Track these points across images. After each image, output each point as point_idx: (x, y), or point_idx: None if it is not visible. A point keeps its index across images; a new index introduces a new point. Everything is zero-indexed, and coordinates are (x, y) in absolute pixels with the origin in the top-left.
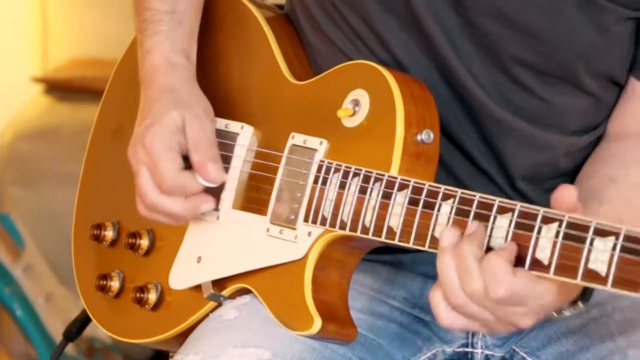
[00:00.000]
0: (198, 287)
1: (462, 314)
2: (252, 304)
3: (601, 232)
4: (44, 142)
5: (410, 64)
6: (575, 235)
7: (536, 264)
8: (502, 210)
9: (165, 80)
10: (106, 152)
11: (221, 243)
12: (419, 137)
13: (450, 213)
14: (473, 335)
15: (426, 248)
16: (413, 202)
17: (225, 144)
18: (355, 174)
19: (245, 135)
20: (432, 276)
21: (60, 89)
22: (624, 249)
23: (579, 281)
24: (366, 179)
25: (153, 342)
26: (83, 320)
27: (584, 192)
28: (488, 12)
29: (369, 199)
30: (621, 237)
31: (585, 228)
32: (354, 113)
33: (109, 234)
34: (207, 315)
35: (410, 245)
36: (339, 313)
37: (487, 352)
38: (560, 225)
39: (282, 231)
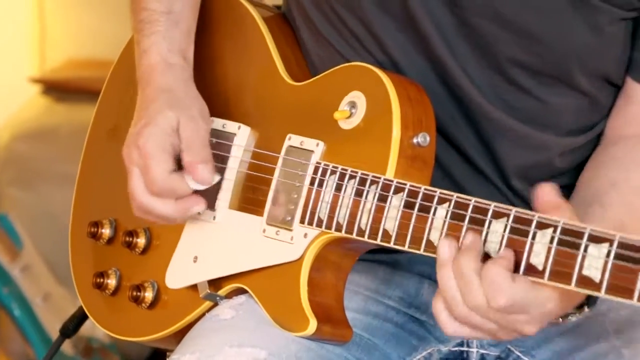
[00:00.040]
0: (194, 287)
1: (466, 325)
2: (248, 303)
3: (595, 239)
4: (42, 143)
5: (406, 65)
6: (570, 242)
7: (531, 270)
8: (497, 215)
9: (162, 80)
10: (103, 150)
11: (217, 243)
12: (415, 140)
13: (446, 217)
14: None
15: (422, 252)
16: (409, 205)
17: (222, 144)
18: (352, 177)
19: (242, 136)
20: (427, 276)
21: (57, 89)
22: (617, 256)
23: (573, 287)
24: (362, 182)
25: (149, 340)
26: (80, 317)
27: (585, 196)
28: (483, 13)
29: (364, 202)
30: (615, 244)
31: (579, 234)
32: (351, 115)
33: (106, 231)
34: (203, 314)
35: (406, 248)
36: (334, 314)
37: (482, 351)
38: (554, 231)
39: (279, 232)
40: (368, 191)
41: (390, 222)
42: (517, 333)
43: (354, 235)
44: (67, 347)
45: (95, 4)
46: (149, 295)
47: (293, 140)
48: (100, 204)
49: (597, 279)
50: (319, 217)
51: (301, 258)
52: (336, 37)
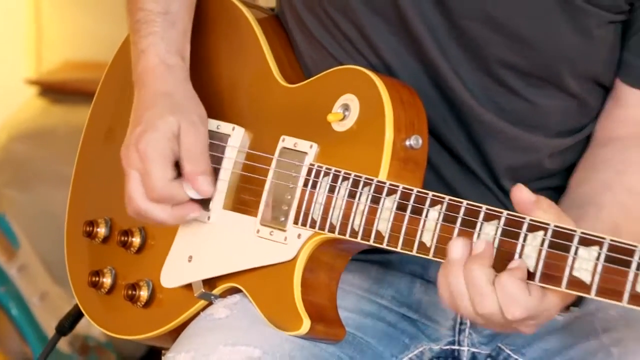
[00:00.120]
0: (189, 286)
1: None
2: (243, 303)
3: (585, 242)
4: (38, 144)
5: (399, 68)
6: (560, 244)
7: None
8: (488, 218)
9: (161, 83)
10: (98, 151)
11: (212, 243)
12: (407, 143)
13: (438, 219)
14: (460, 333)
15: (414, 253)
16: (401, 207)
17: (216, 145)
18: (345, 178)
19: (236, 137)
20: (419, 275)
21: (54, 91)
22: (607, 259)
23: (563, 289)
24: (355, 183)
25: (145, 338)
26: (76, 315)
27: (577, 198)
28: (472, 15)
29: (357, 203)
30: (605, 247)
31: (570, 237)
32: (344, 117)
33: (102, 230)
34: (198, 313)
35: (399, 249)
36: (327, 314)
37: (473, 349)
38: (545, 234)
39: (272, 233)
40: (361, 193)
41: (383, 223)
42: (517, 331)
43: (347, 236)
44: (63, 345)
45: (92, 6)
46: (144, 294)
47: (287, 141)
48: (96, 204)
49: (587, 281)
50: (312, 218)
51: (295, 258)
52: (329, 39)
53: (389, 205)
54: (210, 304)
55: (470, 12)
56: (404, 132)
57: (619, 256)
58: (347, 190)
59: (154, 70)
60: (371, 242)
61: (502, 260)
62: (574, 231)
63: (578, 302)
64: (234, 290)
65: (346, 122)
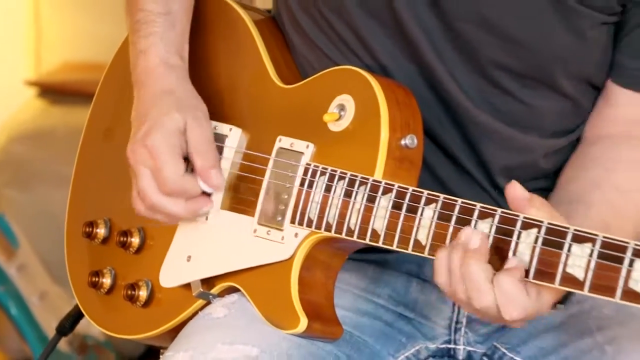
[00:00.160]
0: (188, 285)
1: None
2: (241, 302)
3: (579, 239)
4: (38, 145)
5: (394, 69)
6: (554, 241)
7: None
8: (483, 216)
9: (163, 82)
10: (98, 151)
11: (210, 243)
12: (403, 142)
13: (433, 217)
14: (455, 332)
15: (409, 251)
16: (396, 206)
17: None
18: (341, 178)
19: (233, 137)
20: (415, 274)
21: (53, 92)
22: (600, 255)
23: (557, 286)
24: (351, 183)
25: (143, 337)
26: (76, 316)
27: (565, 195)
28: (467, 17)
29: (354, 202)
30: (597, 244)
31: (563, 234)
32: (340, 117)
33: (101, 231)
34: (196, 312)
35: (394, 247)
36: (324, 312)
37: (469, 348)
38: (539, 231)
39: (269, 232)
40: (357, 192)
41: (379, 222)
42: (507, 325)
43: (343, 235)
44: (62, 344)
45: (91, 7)
46: (143, 293)
47: (283, 142)
48: (95, 204)
49: (580, 278)
50: (309, 217)
51: (292, 257)
52: (325, 41)
53: (384, 204)
54: (208, 303)
55: (465, 14)
56: (400, 132)
57: (611, 253)
58: (343, 190)
59: (155, 70)
60: (367, 241)
61: (497, 257)
62: (567, 228)
63: (564, 299)
64: (232, 290)
65: (342, 122)
